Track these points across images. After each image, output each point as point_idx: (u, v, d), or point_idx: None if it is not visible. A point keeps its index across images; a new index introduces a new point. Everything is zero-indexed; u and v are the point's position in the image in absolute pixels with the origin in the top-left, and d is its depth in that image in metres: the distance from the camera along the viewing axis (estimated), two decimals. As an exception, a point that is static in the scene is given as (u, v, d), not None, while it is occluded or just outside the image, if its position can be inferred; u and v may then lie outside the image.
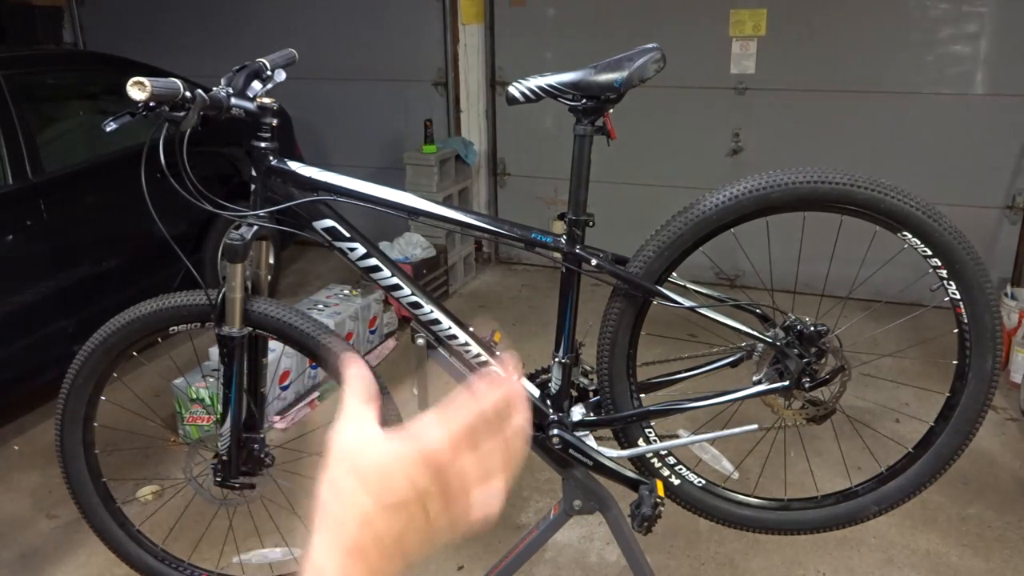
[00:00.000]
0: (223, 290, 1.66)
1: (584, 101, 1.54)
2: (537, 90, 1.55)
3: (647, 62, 1.51)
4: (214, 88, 1.54)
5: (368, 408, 0.55)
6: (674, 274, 1.66)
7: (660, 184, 4.41)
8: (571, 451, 1.73)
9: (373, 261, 1.68)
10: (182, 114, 1.45)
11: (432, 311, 1.70)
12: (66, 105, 3.65)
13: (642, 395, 1.76)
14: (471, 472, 0.53)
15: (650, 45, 1.53)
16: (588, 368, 1.81)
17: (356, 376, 0.57)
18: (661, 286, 1.63)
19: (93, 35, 5.49)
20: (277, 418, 3.04)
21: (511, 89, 1.56)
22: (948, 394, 1.69)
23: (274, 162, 1.63)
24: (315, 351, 1.70)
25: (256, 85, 1.62)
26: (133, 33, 5.20)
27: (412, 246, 4.12)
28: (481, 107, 4.75)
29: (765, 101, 4.19)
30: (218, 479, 1.82)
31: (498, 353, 1.73)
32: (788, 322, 1.66)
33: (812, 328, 1.64)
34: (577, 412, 1.76)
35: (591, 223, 1.62)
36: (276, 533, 2.28)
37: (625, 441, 1.77)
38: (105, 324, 1.78)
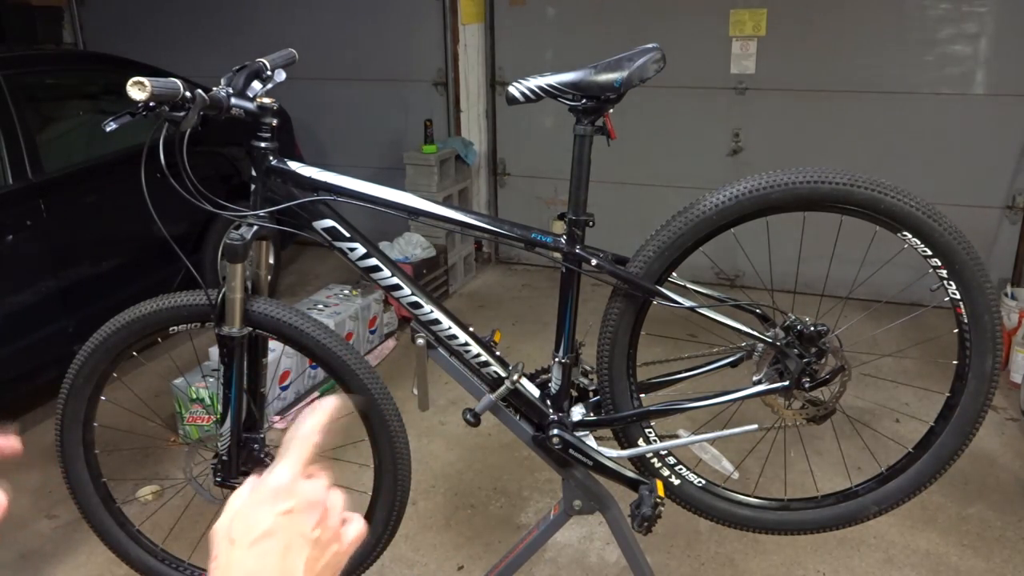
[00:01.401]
0: (223, 290, 1.66)
1: (584, 101, 1.54)
2: (537, 90, 1.55)
3: (647, 62, 1.51)
4: (214, 88, 1.54)
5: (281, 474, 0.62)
6: (674, 274, 1.66)
7: (660, 184, 4.41)
8: (571, 451, 1.73)
9: (373, 261, 1.68)
10: (182, 114, 1.45)
11: (432, 311, 1.70)
12: (66, 105, 3.65)
13: (642, 395, 1.76)
14: (320, 486, 0.62)
15: (650, 45, 1.53)
16: (588, 368, 1.80)
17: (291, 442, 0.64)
18: (661, 286, 1.63)
19: (93, 35, 5.49)
20: (277, 418, 3.04)
21: (511, 89, 1.56)
22: (948, 394, 1.69)
23: (274, 162, 1.63)
24: (314, 351, 1.70)
25: (256, 85, 1.62)
26: (133, 33, 5.20)
27: (412, 246, 4.12)
28: (481, 107, 4.75)
29: (765, 101, 4.20)
30: (218, 479, 1.82)
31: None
32: (788, 322, 1.66)
33: (812, 328, 1.64)
34: (577, 412, 1.76)
35: (591, 223, 1.62)
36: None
37: (625, 441, 1.77)
38: (105, 324, 1.77)
